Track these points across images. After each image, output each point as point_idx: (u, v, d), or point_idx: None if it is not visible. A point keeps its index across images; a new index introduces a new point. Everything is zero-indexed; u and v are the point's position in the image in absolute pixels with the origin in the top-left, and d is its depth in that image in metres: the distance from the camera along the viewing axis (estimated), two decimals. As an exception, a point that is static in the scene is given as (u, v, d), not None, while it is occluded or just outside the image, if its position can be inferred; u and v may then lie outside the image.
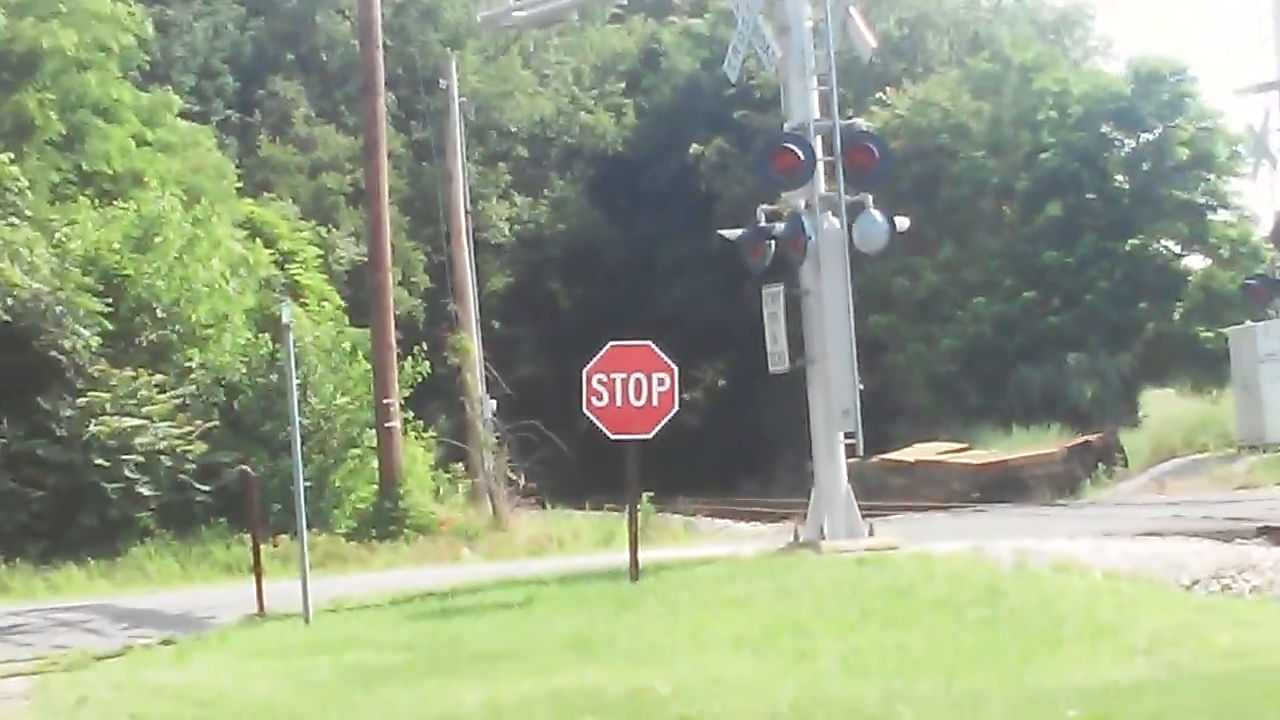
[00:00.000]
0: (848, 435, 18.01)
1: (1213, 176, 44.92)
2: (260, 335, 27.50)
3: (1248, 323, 35.06)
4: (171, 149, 34.96)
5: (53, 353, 24.82)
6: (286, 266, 34.01)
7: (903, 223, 18.27)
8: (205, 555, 24.21)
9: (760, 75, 38.43)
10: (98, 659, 13.63)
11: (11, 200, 26.71)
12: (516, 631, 12.85)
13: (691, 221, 50.31)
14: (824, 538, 17.60)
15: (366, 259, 29.67)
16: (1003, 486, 34.04)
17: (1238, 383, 34.98)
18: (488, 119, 56.61)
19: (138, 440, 24.75)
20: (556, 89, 60.80)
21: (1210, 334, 41.45)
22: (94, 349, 25.27)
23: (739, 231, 18.89)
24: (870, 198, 17.95)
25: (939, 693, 8.90)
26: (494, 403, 30.55)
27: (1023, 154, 45.91)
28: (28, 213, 26.78)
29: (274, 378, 25.83)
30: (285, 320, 15.91)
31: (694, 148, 54.41)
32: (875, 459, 32.74)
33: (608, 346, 16.29)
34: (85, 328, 25.18)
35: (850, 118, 20.17)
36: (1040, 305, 44.27)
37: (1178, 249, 45.88)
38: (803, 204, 18.07)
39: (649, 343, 16.42)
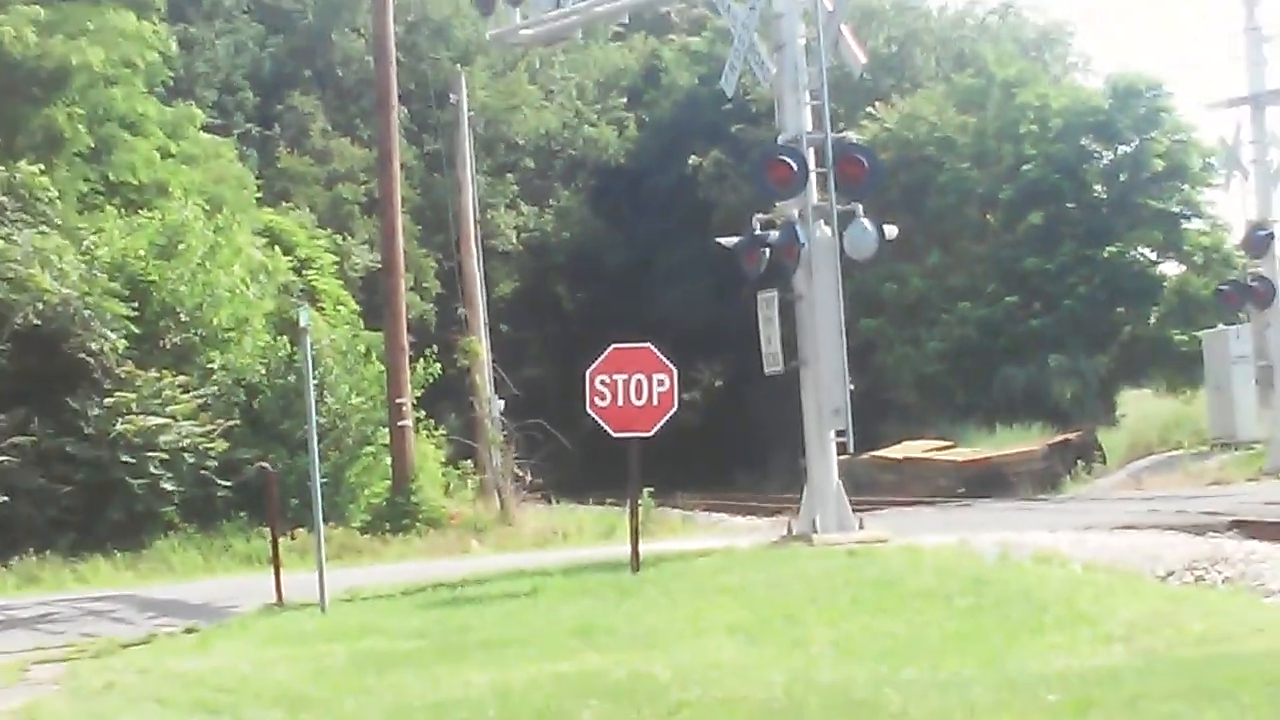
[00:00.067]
0: (839, 433, 18.01)
1: (1187, 187, 44.87)
2: (279, 338, 27.48)
3: (1220, 326, 35.07)
4: (194, 160, 34.93)
5: (81, 355, 24.80)
6: (304, 272, 34.03)
7: (891, 231, 18.26)
8: (226, 548, 24.21)
9: (756, 90, 38.37)
10: (124, 646, 13.66)
11: (42, 210, 26.70)
12: (523, 619, 12.84)
13: (690, 229, 50.24)
14: (816, 531, 17.60)
15: (380, 265, 29.66)
16: (987, 482, 33.98)
17: (1211, 383, 34.99)
18: (496, 132, 56.61)
19: (162, 438, 24.73)
20: (561, 103, 60.76)
21: (1184, 337, 41.46)
22: (120, 351, 25.25)
23: (735, 239, 18.89)
24: (860, 207, 17.95)
25: (925, 677, 8.90)
26: (501, 402, 30.46)
27: (1006, 165, 45.87)
28: (57, 221, 26.77)
29: (292, 379, 25.81)
30: (303, 324, 15.92)
31: (692, 159, 54.37)
32: (865, 456, 32.70)
33: (610, 349, 16.30)
34: (112, 331, 25.17)
35: (841, 131, 20.20)
36: (1022, 309, 44.24)
37: (1153, 256, 45.83)
38: (796, 213, 18.06)
39: (649, 345, 16.42)
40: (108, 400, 24.64)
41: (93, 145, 30.05)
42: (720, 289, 45.23)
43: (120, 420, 24.46)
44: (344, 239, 46.31)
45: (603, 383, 16.03)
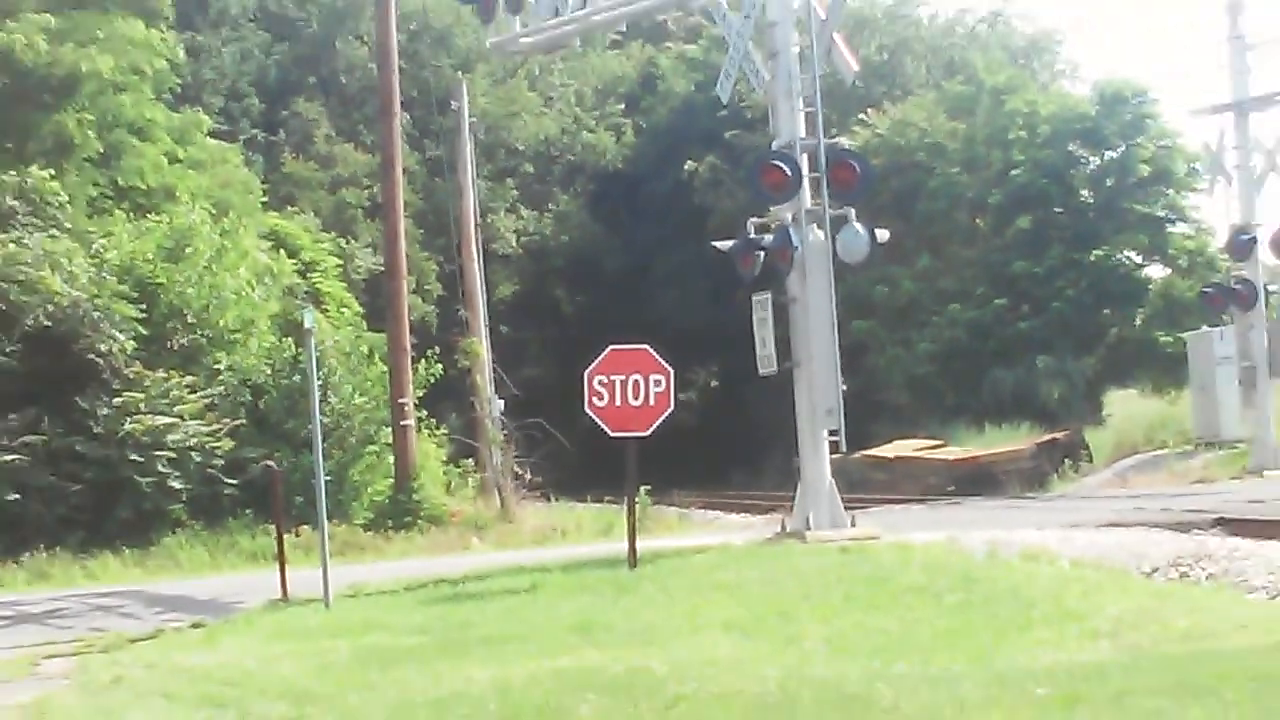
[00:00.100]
0: (832, 432, 17.98)
1: (1172, 192, 44.91)
2: (284, 339, 27.45)
3: (1205, 328, 35.08)
4: (201, 166, 34.93)
5: (90, 356, 24.79)
6: (308, 275, 34.00)
7: (883, 235, 18.25)
8: (232, 545, 24.18)
9: (750, 97, 38.43)
10: (132, 641, 13.65)
11: (52, 214, 26.69)
12: (523, 616, 12.83)
13: (686, 233, 50.24)
14: (809, 528, 17.58)
15: (383, 268, 29.62)
16: (976, 481, 33.98)
17: (1195, 384, 34.98)
18: (496, 138, 56.58)
19: (170, 437, 24.73)
20: (560, 110, 60.76)
21: (1169, 339, 41.46)
22: (129, 352, 25.23)
23: (730, 243, 18.87)
24: (852, 211, 17.92)
25: (916, 672, 8.90)
26: (501, 402, 30.44)
27: (995, 171, 45.89)
28: (67, 225, 26.76)
29: (296, 379, 25.79)
30: (307, 325, 15.90)
31: (688, 164, 54.38)
32: (857, 455, 32.70)
33: (607, 350, 16.28)
34: (121, 332, 25.15)
35: (834, 137, 20.11)
36: (1011, 312, 44.25)
37: (1139, 259, 45.85)
38: (790, 217, 18.05)
39: (646, 346, 16.41)
40: (116, 400, 24.62)
41: (102, 150, 30.05)
42: (716, 291, 45.30)
43: (129, 420, 24.45)
44: (347, 243, 46.29)
45: (601, 383, 16.02)
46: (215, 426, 25.33)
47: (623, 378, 15.95)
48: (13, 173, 26.85)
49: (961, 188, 46.87)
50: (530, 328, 54.68)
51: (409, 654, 10.98)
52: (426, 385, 28.07)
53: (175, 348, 26.60)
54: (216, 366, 26.83)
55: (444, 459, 30.34)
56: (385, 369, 26.92)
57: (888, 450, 38.02)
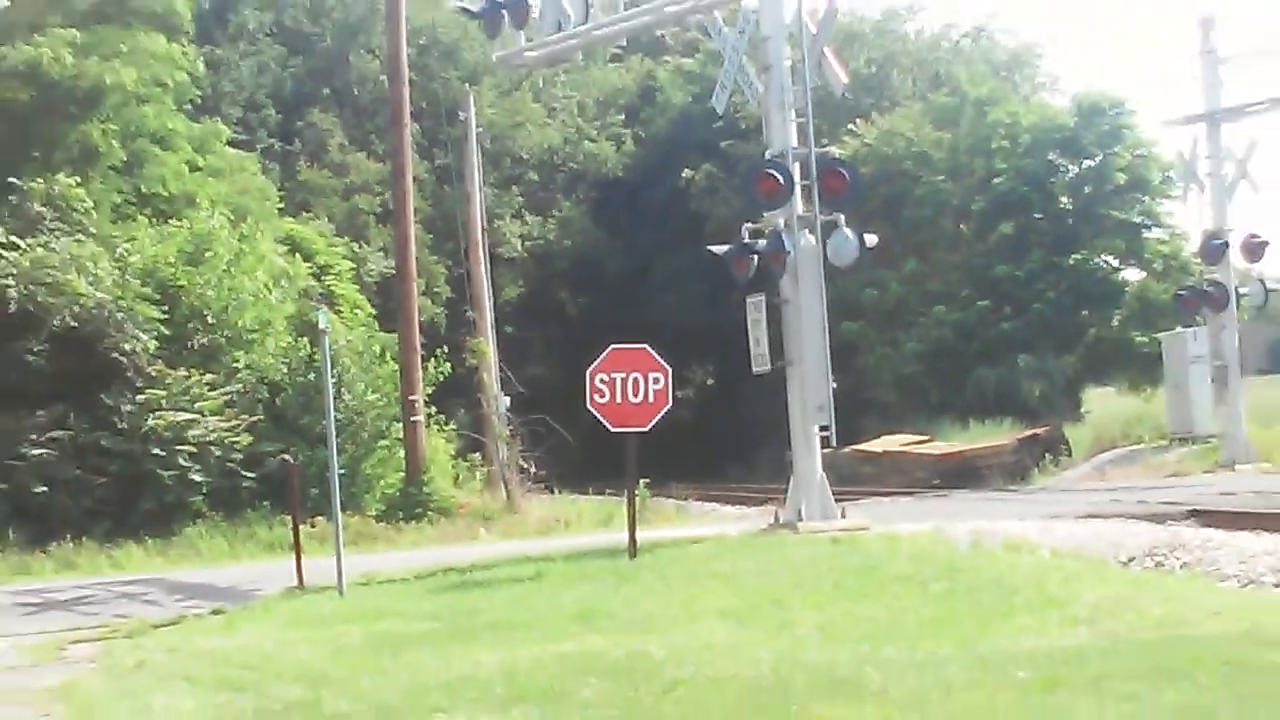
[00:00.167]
0: (823, 428, 18.00)
1: (1147, 199, 44.87)
2: (299, 339, 27.43)
3: (1179, 329, 35.13)
4: (220, 173, 34.88)
5: (115, 355, 24.79)
6: (323, 278, 33.96)
7: (871, 240, 18.26)
8: (250, 535, 24.18)
9: (745, 109, 38.40)
10: (155, 627, 13.65)
11: (78, 219, 26.71)
12: (528, 603, 12.83)
13: (684, 238, 50.25)
14: (801, 519, 17.60)
15: (394, 271, 29.62)
16: (961, 475, 33.99)
17: (1170, 382, 35.00)
18: (502, 147, 56.56)
19: (190, 433, 24.72)
20: (563, 120, 60.73)
21: (1145, 339, 41.47)
22: (151, 351, 25.23)
23: (726, 247, 18.89)
24: (842, 217, 17.95)
25: (903, 657, 8.90)
26: (507, 399, 30.46)
27: (978, 178, 45.87)
28: (92, 230, 26.76)
29: (312, 377, 25.77)
30: (322, 326, 15.92)
31: (686, 172, 54.36)
32: (847, 449, 32.70)
33: (608, 349, 16.29)
34: (144, 333, 25.15)
35: (824, 146, 20.18)
36: (994, 313, 44.23)
37: (1116, 263, 45.81)
38: (782, 223, 18.06)
39: (645, 346, 16.42)
40: (140, 397, 24.63)
41: (125, 159, 30.03)
42: (712, 294, 45.31)
43: (151, 416, 24.46)
44: (360, 247, 46.25)
45: (602, 381, 16.02)
46: (234, 422, 25.33)
47: (623, 376, 15.96)
48: (40, 180, 26.86)
49: (946, 195, 46.85)
50: (535, 328, 54.65)
51: (420, 639, 10.98)
52: (436, 383, 28.05)
53: (196, 347, 26.58)
54: (235, 365, 26.81)
55: (453, 453, 30.32)
56: (396, 368, 26.91)
57: (876, 445, 38.01)
